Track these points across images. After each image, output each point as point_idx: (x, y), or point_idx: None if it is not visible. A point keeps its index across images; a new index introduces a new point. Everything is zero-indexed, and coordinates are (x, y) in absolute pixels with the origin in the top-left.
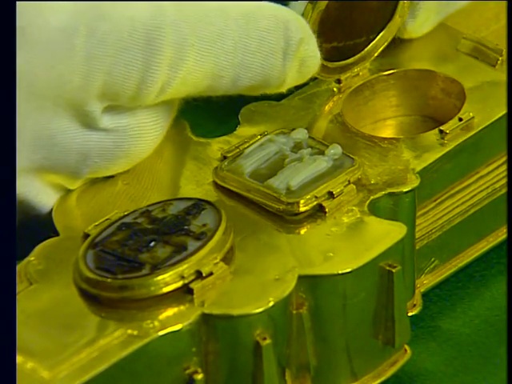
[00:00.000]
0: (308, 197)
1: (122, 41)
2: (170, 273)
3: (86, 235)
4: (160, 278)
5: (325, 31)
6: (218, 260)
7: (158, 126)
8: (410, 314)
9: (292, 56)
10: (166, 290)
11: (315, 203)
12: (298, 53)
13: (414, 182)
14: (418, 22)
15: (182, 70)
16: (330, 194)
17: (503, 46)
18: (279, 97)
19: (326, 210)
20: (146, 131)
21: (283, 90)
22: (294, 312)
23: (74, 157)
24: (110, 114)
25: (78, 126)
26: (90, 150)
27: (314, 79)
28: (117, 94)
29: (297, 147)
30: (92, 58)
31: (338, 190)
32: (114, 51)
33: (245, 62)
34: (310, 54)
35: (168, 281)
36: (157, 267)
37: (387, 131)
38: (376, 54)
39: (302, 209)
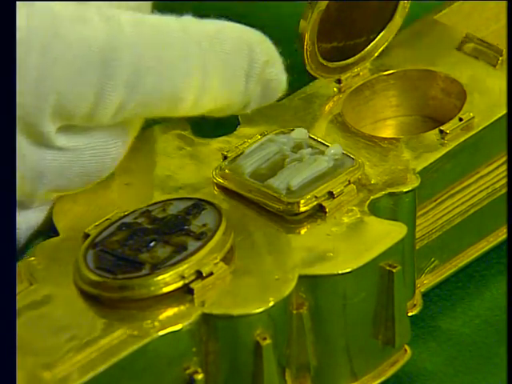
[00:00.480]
0: (308, 197)
1: (76, 61)
2: (170, 273)
3: (86, 235)
4: (160, 277)
5: (325, 31)
6: (218, 260)
7: (116, 146)
8: (410, 314)
9: (255, 79)
10: (166, 290)
11: (315, 203)
12: (262, 76)
13: (414, 182)
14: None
15: (138, 93)
16: (330, 194)
17: (503, 45)
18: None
19: (326, 209)
20: (103, 151)
21: (247, 111)
22: (294, 312)
23: (30, 175)
24: (66, 133)
25: (32, 145)
26: (45, 168)
27: (314, 79)
28: (71, 115)
29: (297, 147)
30: (45, 77)
31: (338, 190)
32: (68, 71)
33: (206, 85)
34: (274, 77)
35: (168, 281)
36: (157, 267)
37: (387, 131)
38: (376, 54)
39: (302, 209)
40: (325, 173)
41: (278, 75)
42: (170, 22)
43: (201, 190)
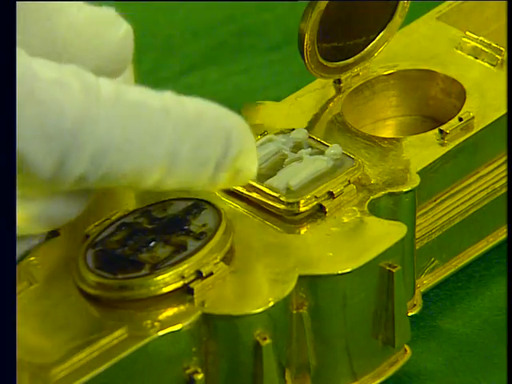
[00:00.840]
0: (308, 197)
1: (46, 124)
2: (170, 273)
3: (86, 235)
4: (160, 277)
5: (325, 31)
6: (218, 260)
7: (71, 210)
8: (410, 314)
9: (225, 168)
10: (165, 289)
11: (315, 203)
12: (233, 166)
13: (413, 182)
14: None
15: (101, 168)
16: (330, 194)
17: (503, 46)
18: (279, 97)
19: (326, 209)
20: (57, 215)
21: (213, 191)
22: (294, 312)
23: None
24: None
25: None
26: None
27: (313, 79)
28: (30, 175)
29: (297, 147)
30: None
31: (338, 190)
32: (36, 133)
33: (172, 170)
34: (246, 167)
35: (168, 281)
36: (157, 267)
37: (387, 131)
38: (376, 54)
39: (302, 209)
40: (324, 173)
41: (250, 166)
42: (150, 100)
43: (201, 189)
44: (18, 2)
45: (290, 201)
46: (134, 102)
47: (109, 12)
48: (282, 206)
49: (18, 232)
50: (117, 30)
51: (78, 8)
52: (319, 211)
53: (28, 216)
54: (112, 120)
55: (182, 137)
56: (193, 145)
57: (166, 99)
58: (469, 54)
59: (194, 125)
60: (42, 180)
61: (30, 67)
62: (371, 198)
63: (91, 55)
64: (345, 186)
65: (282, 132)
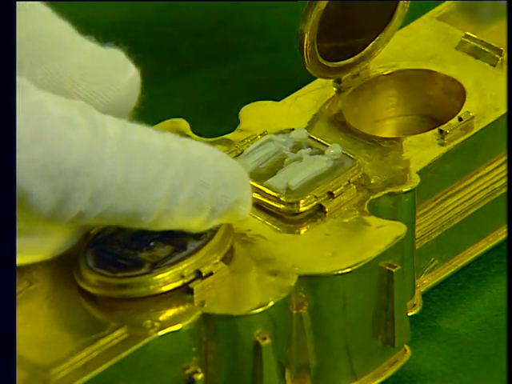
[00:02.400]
0: (308, 197)
1: (51, 162)
2: (170, 272)
3: (87, 235)
4: (159, 276)
5: (325, 31)
6: (217, 260)
7: (65, 244)
8: (409, 314)
9: (220, 214)
10: (165, 288)
11: (315, 203)
12: (228, 212)
13: (413, 182)
14: None
15: (101, 207)
16: (330, 194)
17: (503, 46)
18: (279, 97)
19: (326, 209)
20: (51, 248)
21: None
22: (294, 312)
23: None
24: None
25: None
26: None
27: (313, 79)
28: (32, 212)
29: (296, 147)
30: (19, 175)
31: (338, 190)
32: (40, 172)
33: (169, 212)
34: (240, 214)
35: (167, 280)
36: (156, 266)
37: (387, 131)
38: (376, 54)
39: (302, 209)
40: (324, 173)
41: (244, 213)
42: (154, 141)
43: None
44: (28, 41)
45: (290, 201)
46: (139, 143)
47: (118, 55)
48: (281, 206)
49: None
50: (125, 74)
51: (87, 49)
52: (319, 211)
53: (22, 248)
54: (116, 160)
55: (182, 181)
56: (192, 189)
57: (169, 141)
58: (469, 54)
59: (195, 169)
60: (42, 217)
61: (41, 103)
62: (371, 198)
63: (98, 98)
64: (345, 186)
65: (282, 132)
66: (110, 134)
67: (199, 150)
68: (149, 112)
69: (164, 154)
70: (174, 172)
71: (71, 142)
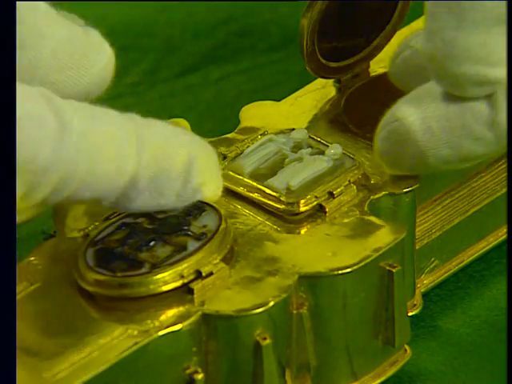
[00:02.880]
0: (308, 197)
1: (17, 165)
2: (170, 272)
3: (86, 235)
4: (159, 276)
5: (325, 31)
6: (217, 260)
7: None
8: (410, 314)
9: (186, 199)
10: (165, 288)
11: (315, 203)
12: (194, 194)
13: (413, 182)
14: None
15: (62, 195)
16: (331, 194)
17: None
18: (279, 97)
19: (326, 209)
20: None
21: None
22: (294, 312)
23: None
24: None
25: None
26: None
27: (313, 79)
28: None
29: (297, 147)
30: None
31: (339, 190)
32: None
33: (128, 196)
34: (207, 195)
35: (167, 279)
36: (156, 266)
37: None
38: (376, 54)
39: (302, 209)
40: (324, 173)
41: (213, 193)
42: (119, 129)
43: None
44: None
45: (290, 201)
46: (104, 135)
47: (93, 36)
48: (282, 206)
49: None
50: (100, 57)
51: (63, 34)
52: (319, 211)
53: None
54: (81, 155)
55: (144, 169)
56: (152, 177)
57: (133, 126)
58: None
59: (157, 155)
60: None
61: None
62: (371, 198)
63: (73, 84)
64: (345, 186)
65: (282, 132)
66: (77, 128)
67: (162, 132)
68: (149, 112)
69: (127, 142)
70: (136, 161)
71: (39, 143)
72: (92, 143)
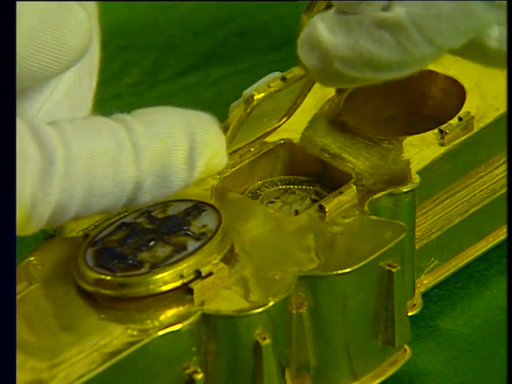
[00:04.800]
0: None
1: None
2: (169, 271)
3: (86, 235)
4: (159, 276)
5: None
6: (217, 260)
7: None
8: (409, 314)
9: (192, 181)
10: (164, 288)
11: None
12: (203, 172)
13: (413, 182)
14: None
15: (64, 219)
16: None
17: None
18: None
19: (326, 209)
20: None
21: None
22: (294, 312)
23: None
24: None
25: None
26: None
27: None
28: None
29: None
30: None
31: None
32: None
33: (135, 200)
34: (217, 165)
35: (167, 279)
36: (156, 266)
37: (387, 131)
38: None
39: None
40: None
41: (221, 162)
42: (104, 142)
43: (200, 190)
44: None
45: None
46: (93, 152)
47: (69, 9)
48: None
49: None
50: (76, 32)
51: (36, 13)
52: (319, 211)
53: None
54: (70, 180)
55: (145, 171)
56: (156, 175)
57: (125, 134)
58: None
59: (157, 154)
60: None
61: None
62: (371, 197)
63: (52, 65)
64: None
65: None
66: (63, 156)
67: (158, 128)
68: None
69: (123, 155)
70: (135, 169)
71: (23, 181)
72: (83, 166)
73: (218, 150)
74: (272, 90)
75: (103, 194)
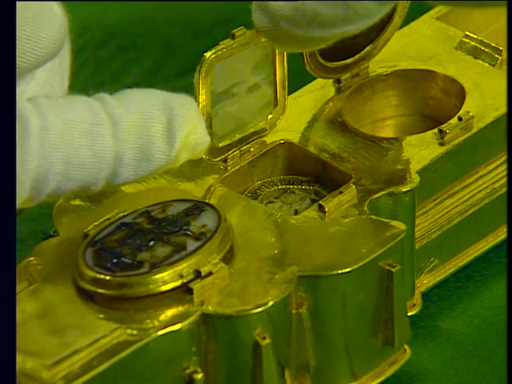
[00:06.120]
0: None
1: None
2: (169, 271)
3: (86, 235)
4: (159, 276)
5: None
6: (217, 260)
7: None
8: (409, 314)
9: (175, 154)
10: (164, 288)
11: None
12: (185, 147)
13: (413, 182)
14: None
15: (45, 193)
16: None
17: (503, 46)
18: None
19: (326, 209)
20: None
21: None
22: (294, 312)
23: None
24: None
25: None
26: None
27: (313, 79)
28: None
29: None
30: None
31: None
32: None
33: (116, 173)
34: (198, 142)
35: (166, 279)
36: (156, 266)
37: (387, 131)
38: (376, 54)
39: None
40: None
41: (202, 138)
42: (88, 115)
43: (200, 189)
44: None
45: None
46: (68, 122)
47: (47, 4)
48: None
49: None
50: (51, 25)
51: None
52: (319, 211)
53: None
54: (47, 148)
55: (123, 142)
56: (135, 147)
57: (102, 107)
58: (469, 54)
59: (134, 126)
60: None
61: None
62: (371, 197)
63: (28, 58)
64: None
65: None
66: (39, 124)
67: (136, 103)
68: None
69: (99, 125)
70: (112, 139)
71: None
72: (59, 134)
73: (197, 126)
74: (222, 46)
75: (82, 164)
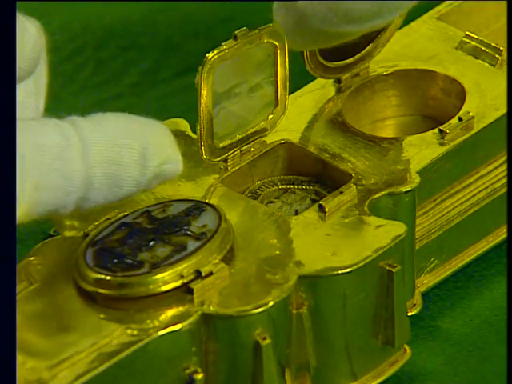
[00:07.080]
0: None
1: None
2: (169, 271)
3: (86, 235)
4: (159, 276)
5: None
6: (217, 260)
7: None
8: (409, 314)
9: (146, 184)
10: (164, 288)
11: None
12: (156, 176)
13: (413, 182)
14: None
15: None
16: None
17: (503, 45)
18: None
19: (326, 209)
20: None
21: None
22: (294, 312)
23: None
24: None
25: None
26: None
27: (313, 79)
28: None
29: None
30: None
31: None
32: None
33: (85, 198)
34: (170, 171)
35: (167, 279)
36: (156, 266)
37: (387, 131)
38: (376, 54)
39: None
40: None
41: (174, 168)
42: (58, 139)
43: (200, 189)
44: None
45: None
46: (39, 146)
47: (22, 23)
48: None
49: None
50: (26, 44)
51: None
52: (319, 211)
53: None
54: (18, 175)
55: (93, 166)
56: (106, 172)
57: (73, 130)
58: (469, 54)
59: (106, 151)
60: None
61: None
62: (371, 197)
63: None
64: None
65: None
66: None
67: (111, 129)
68: (149, 112)
69: (69, 149)
70: (82, 163)
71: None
72: (29, 160)
73: (171, 156)
74: (224, 47)
75: (52, 188)
